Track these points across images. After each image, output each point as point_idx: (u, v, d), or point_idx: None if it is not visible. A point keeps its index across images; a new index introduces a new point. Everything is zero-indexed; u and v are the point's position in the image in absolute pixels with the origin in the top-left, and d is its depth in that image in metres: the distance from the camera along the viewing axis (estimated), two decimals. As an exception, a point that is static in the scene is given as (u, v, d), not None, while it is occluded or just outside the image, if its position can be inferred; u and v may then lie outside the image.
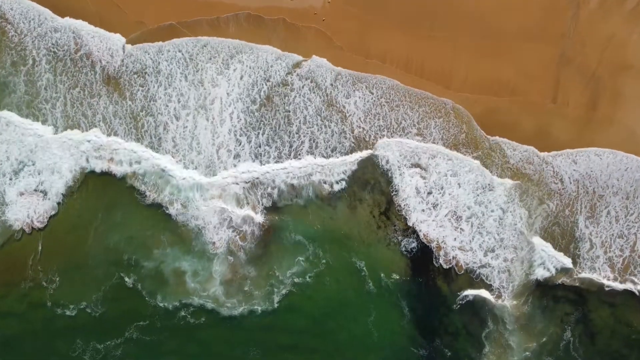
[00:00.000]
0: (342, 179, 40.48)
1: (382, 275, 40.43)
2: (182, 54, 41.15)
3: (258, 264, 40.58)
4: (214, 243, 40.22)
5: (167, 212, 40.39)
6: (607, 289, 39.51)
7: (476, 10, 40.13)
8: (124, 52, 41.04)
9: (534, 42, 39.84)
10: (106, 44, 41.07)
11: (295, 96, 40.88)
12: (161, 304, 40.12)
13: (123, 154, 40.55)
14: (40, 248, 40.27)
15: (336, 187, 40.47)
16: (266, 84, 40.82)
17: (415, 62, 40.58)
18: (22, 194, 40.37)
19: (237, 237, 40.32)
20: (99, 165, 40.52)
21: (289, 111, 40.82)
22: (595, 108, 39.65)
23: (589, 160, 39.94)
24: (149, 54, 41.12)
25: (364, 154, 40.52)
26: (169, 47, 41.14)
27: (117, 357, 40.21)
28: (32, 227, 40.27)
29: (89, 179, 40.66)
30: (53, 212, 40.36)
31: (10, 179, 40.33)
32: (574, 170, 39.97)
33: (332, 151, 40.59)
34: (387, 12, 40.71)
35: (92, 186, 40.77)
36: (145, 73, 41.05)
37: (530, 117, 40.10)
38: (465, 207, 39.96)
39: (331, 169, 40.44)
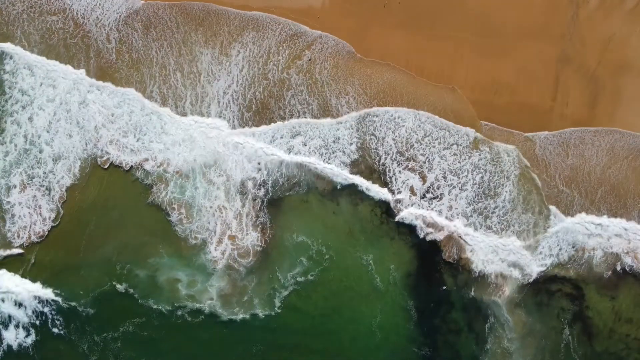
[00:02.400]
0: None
1: (391, 267, 39.99)
2: (173, 33, 39.91)
3: (259, 272, 39.87)
4: (215, 261, 39.39)
5: (168, 219, 39.54)
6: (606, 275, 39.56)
7: (476, 9, 39.94)
8: (118, 32, 39.94)
9: (533, 41, 39.77)
10: (106, 15, 39.85)
11: (291, 97, 40.17)
12: (155, 307, 39.39)
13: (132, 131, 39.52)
14: (33, 260, 39.47)
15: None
16: (264, 82, 40.07)
17: (415, 61, 40.24)
18: (23, 189, 38.98)
19: (236, 253, 39.51)
20: (108, 151, 39.21)
21: (285, 118, 40.09)
22: (595, 108, 39.69)
23: (584, 148, 39.63)
24: (137, 33, 39.83)
25: (353, 115, 39.71)
26: (155, 23, 39.80)
27: (117, 349, 39.48)
28: (30, 242, 39.28)
29: (92, 177, 39.56)
30: (54, 225, 39.19)
31: (12, 172, 38.99)
32: (563, 162, 39.68)
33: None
34: (387, 10, 40.31)
35: (95, 185, 39.75)
36: (140, 62, 39.84)
37: (529, 117, 39.94)
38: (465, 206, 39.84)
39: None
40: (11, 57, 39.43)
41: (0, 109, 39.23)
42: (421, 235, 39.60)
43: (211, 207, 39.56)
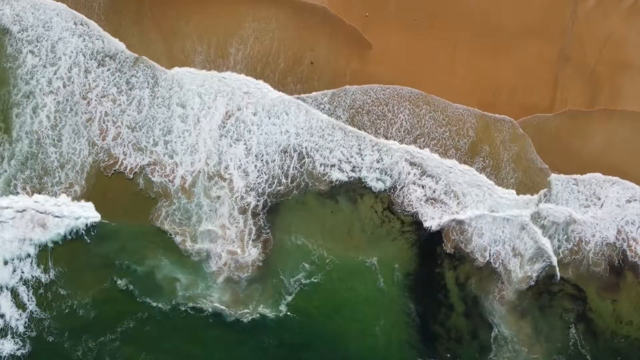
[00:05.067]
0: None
1: (395, 267, 39.12)
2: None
3: (261, 280, 38.68)
4: (216, 274, 38.20)
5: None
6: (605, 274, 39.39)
7: (475, 9, 39.94)
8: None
9: (532, 40, 39.83)
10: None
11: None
12: (154, 304, 37.92)
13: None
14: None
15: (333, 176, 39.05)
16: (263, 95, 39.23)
17: (414, 61, 39.81)
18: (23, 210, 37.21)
19: (238, 267, 38.31)
20: (113, 150, 37.68)
21: None
22: (594, 106, 39.70)
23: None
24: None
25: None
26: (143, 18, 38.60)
27: (115, 348, 37.83)
28: None
29: (95, 189, 38.01)
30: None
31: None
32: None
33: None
34: (387, 9, 40.02)
35: (98, 197, 38.08)
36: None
37: (526, 126, 39.71)
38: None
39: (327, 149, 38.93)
40: (9, 34, 38.20)
41: (4, 102, 37.96)
42: (422, 216, 38.94)
43: (213, 225, 38.29)
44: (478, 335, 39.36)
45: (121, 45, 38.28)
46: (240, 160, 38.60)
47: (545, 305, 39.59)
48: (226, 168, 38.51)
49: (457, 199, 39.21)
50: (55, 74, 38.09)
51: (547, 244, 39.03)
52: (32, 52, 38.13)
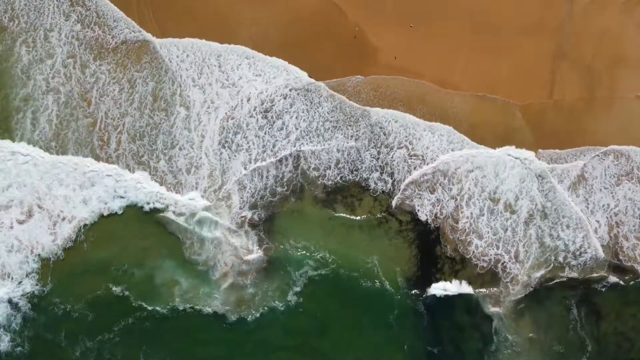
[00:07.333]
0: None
1: (397, 270, 39.42)
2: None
3: (264, 285, 38.99)
4: (220, 281, 38.47)
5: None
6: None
7: (472, 6, 39.97)
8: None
9: (529, 37, 39.79)
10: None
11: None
12: (150, 308, 38.01)
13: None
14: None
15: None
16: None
17: (411, 59, 39.92)
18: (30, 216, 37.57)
19: (241, 273, 38.55)
20: (114, 160, 37.46)
21: None
22: (592, 101, 39.75)
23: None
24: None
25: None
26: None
27: (115, 343, 37.87)
28: None
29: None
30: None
31: None
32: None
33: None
34: (383, 7, 40.12)
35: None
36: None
37: (526, 111, 39.88)
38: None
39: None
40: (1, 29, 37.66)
41: (3, 108, 37.38)
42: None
43: (216, 239, 38.46)
44: (480, 328, 39.68)
45: (125, 20, 37.78)
46: (240, 173, 38.65)
47: (545, 296, 39.70)
48: (228, 191, 38.57)
49: (460, 183, 39.36)
50: (52, 68, 37.09)
51: (571, 203, 38.77)
52: (25, 43, 37.27)
